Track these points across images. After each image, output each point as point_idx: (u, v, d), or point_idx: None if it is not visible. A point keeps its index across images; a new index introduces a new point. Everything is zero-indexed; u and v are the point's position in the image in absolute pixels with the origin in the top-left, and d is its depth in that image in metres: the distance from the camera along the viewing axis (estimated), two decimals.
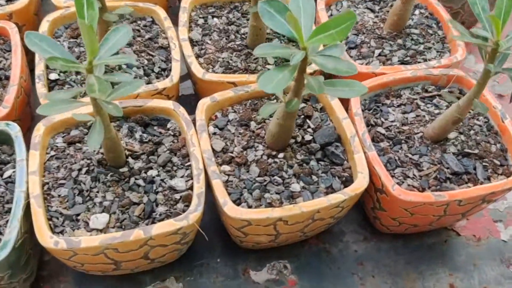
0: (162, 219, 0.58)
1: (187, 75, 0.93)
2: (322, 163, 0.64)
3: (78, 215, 0.58)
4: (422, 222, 0.66)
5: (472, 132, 0.67)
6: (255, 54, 0.50)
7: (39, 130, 0.63)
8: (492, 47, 0.53)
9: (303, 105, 0.69)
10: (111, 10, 0.69)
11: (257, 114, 0.68)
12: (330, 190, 0.61)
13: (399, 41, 0.77)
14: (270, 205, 0.59)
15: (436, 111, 0.69)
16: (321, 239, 0.74)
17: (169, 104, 0.66)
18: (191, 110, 0.67)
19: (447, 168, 0.63)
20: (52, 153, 0.63)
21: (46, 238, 0.54)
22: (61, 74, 0.71)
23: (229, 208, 0.57)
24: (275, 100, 0.69)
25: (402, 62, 0.75)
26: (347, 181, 0.62)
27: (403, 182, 0.62)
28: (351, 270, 0.71)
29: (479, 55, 1.03)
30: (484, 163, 0.64)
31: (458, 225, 0.76)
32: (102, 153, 0.63)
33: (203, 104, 0.66)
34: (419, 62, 0.74)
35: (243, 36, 0.78)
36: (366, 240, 0.74)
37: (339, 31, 0.47)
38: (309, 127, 0.67)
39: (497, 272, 0.72)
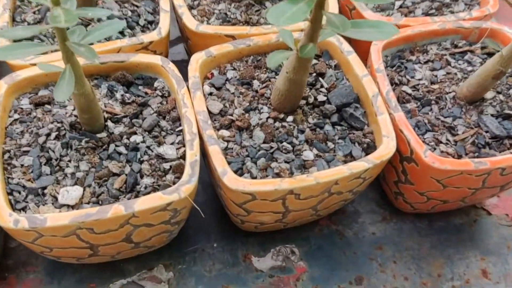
0: (148, 193, 0.48)
1: (179, 39, 0.83)
2: (338, 127, 0.54)
3: (44, 188, 0.47)
4: (454, 197, 0.56)
5: None
6: None
7: (0, 89, 0.53)
8: None
9: (315, 61, 0.59)
10: None
11: (261, 71, 0.57)
12: (350, 158, 0.51)
13: None
14: (278, 175, 0.49)
15: (469, 68, 0.59)
16: (333, 221, 0.64)
17: (156, 59, 0.56)
18: (183, 78, 0.56)
19: (486, 131, 0.53)
20: (16, 116, 0.53)
21: (4, 216, 0.44)
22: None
23: (229, 178, 0.47)
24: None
25: (426, 15, 0.65)
26: (370, 148, 0.52)
27: (435, 148, 0.52)
28: (368, 256, 0.61)
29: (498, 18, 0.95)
30: None
31: (489, 202, 0.67)
32: (76, 116, 0.52)
33: (197, 59, 0.56)
34: (445, 15, 0.64)
35: None
36: (385, 221, 0.64)
37: None
38: (322, 86, 0.57)
39: None
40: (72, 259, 0.52)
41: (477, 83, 0.53)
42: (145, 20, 0.62)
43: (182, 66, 0.77)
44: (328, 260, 0.60)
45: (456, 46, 0.61)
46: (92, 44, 0.55)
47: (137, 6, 0.63)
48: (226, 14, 0.63)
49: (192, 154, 0.49)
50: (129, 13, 0.62)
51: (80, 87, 0.46)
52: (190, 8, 0.64)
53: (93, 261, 0.54)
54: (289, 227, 0.60)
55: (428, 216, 0.64)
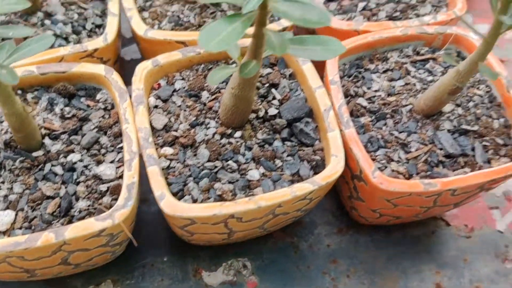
0: (83, 217, 0.46)
1: None
2: (288, 143, 0.52)
3: None
4: (407, 214, 0.55)
5: (471, 104, 0.55)
6: (201, 0, 0.37)
7: None
8: None
9: (268, 70, 0.57)
10: None
11: None
12: (297, 177, 0.49)
13: None
14: (220, 197, 0.47)
15: (429, 78, 0.56)
16: (288, 233, 0.62)
17: (99, 69, 0.53)
18: None
19: (440, 149, 0.51)
20: None
21: None
22: None
23: (166, 203, 0.45)
24: (234, 65, 0.56)
25: (391, 18, 0.62)
26: (318, 166, 0.50)
27: (386, 166, 0.50)
28: (322, 269, 0.60)
29: (477, 12, 0.91)
30: (484, 143, 0.52)
31: (449, 213, 0.65)
32: (11, 132, 0.50)
33: (142, 69, 0.53)
34: (410, 18, 0.61)
35: None
36: (341, 233, 0.63)
37: None
38: (274, 98, 0.54)
39: (490, 268, 0.61)
40: (11, 279, 0.51)
41: (434, 97, 0.51)
42: (92, 23, 0.59)
43: None
44: (280, 274, 0.59)
45: (418, 54, 0.59)
46: None
47: (84, 9, 0.59)
48: (179, 17, 0.60)
49: (130, 176, 0.46)
50: (76, 16, 0.58)
51: (10, 107, 0.44)
52: (142, 9, 0.60)
53: (35, 279, 0.53)
54: (243, 241, 0.59)
55: (385, 228, 0.63)
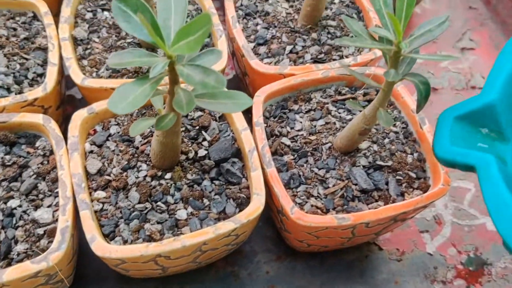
0: (21, 260, 0.49)
1: None
2: (216, 182, 0.56)
3: None
4: (331, 244, 0.59)
5: (386, 140, 0.59)
6: (108, 63, 0.41)
7: None
8: (394, 50, 0.45)
9: (199, 113, 0.61)
10: None
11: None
12: (223, 215, 0.53)
13: (314, 35, 0.69)
14: (149, 237, 0.51)
15: (349, 117, 0.61)
16: (229, 261, 0.66)
17: (37, 119, 0.56)
18: None
19: (355, 184, 0.56)
20: None
21: None
22: None
23: (96, 245, 0.48)
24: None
25: (316, 60, 0.66)
26: (243, 204, 0.54)
27: (306, 202, 0.54)
28: None
29: None
30: (398, 177, 0.57)
31: (382, 237, 0.70)
32: None
33: (78, 117, 0.57)
34: (334, 60, 0.66)
35: None
36: (280, 260, 0.67)
37: (196, 39, 0.38)
38: (204, 139, 0.58)
39: None
40: None
41: (347, 137, 0.55)
42: (34, 73, 0.62)
43: None
44: None
45: (340, 93, 0.63)
46: None
47: (26, 59, 0.63)
48: None
49: (64, 220, 0.50)
50: (18, 67, 0.62)
51: None
52: (82, 58, 0.64)
53: None
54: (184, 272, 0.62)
55: (321, 254, 0.67)
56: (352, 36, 0.70)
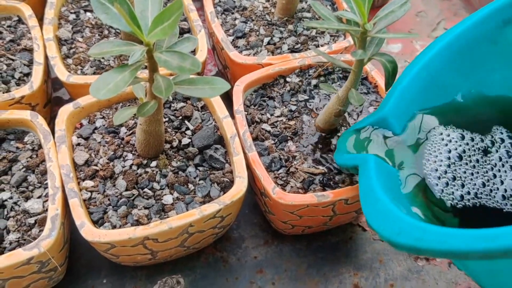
0: (13, 248, 0.51)
1: None
2: (201, 168, 0.58)
3: None
4: (315, 223, 0.61)
5: None
6: (89, 53, 0.43)
7: None
8: (360, 31, 0.48)
9: (182, 104, 0.63)
10: None
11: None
12: (208, 198, 0.55)
13: (290, 26, 0.71)
14: (137, 222, 0.53)
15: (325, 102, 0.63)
16: (218, 248, 0.68)
17: (25, 115, 0.58)
18: None
19: (335, 164, 0.58)
20: None
21: None
22: None
23: (86, 231, 0.50)
24: None
25: (293, 50, 0.69)
26: (227, 187, 0.56)
27: (287, 183, 0.57)
28: (250, 279, 0.65)
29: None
30: None
31: (364, 219, 0.72)
32: None
33: (65, 112, 0.59)
34: (310, 49, 0.69)
35: (117, 31, 0.70)
36: (267, 244, 0.69)
37: (170, 24, 0.41)
38: (187, 129, 0.61)
39: (404, 267, 0.68)
40: None
41: (324, 119, 0.58)
42: (20, 73, 0.64)
43: None
44: (211, 287, 0.65)
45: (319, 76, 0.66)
46: None
47: (12, 60, 0.65)
48: (100, 61, 0.66)
49: (54, 208, 0.52)
50: (4, 67, 0.64)
51: None
52: (66, 57, 0.66)
53: None
54: (174, 259, 0.64)
55: (307, 237, 0.69)
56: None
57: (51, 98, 0.70)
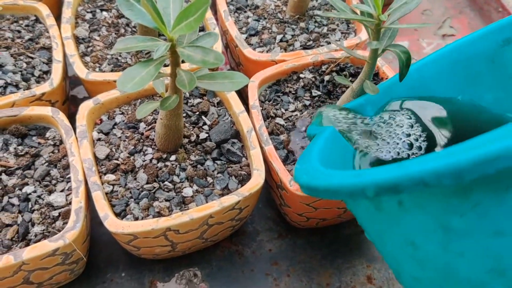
0: (39, 240, 0.52)
1: None
2: (218, 162, 0.59)
3: None
4: (329, 215, 0.63)
5: None
6: (114, 49, 0.45)
7: None
8: (375, 22, 0.49)
9: (198, 100, 0.64)
10: None
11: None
12: (226, 191, 0.57)
13: (302, 24, 0.73)
14: (159, 214, 0.54)
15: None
16: (234, 241, 0.70)
17: (46, 111, 0.60)
18: None
19: None
20: None
21: None
22: None
23: (110, 222, 0.52)
24: None
25: (305, 47, 0.70)
26: (244, 180, 0.58)
27: None
28: (265, 271, 0.67)
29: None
30: None
31: None
32: None
33: (85, 108, 0.60)
34: (322, 46, 0.70)
35: (134, 29, 0.72)
36: (281, 237, 0.70)
37: (196, 18, 0.42)
38: (205, 124, 0.62)
39: None
40: None
41: None
42: (40, 70, 0.66)
43: None
44: (228, 279, 0.66)
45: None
46: None
47: (32, 58, 0.67)
48: (117, 59, 0.68)
49: (77, 201, 0.53)
50: (24, 65, 0.66)
51: None
52: (84, 55, 0.68)
53: None
54: (191, 252, 0.66)
55: (319, 230, 0.71)
56: (336, 24, 0.75)
57: (69, 96, 0.72)
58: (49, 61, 0.68)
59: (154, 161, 0.58)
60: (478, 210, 0.32)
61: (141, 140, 0.60)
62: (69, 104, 0.73)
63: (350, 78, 0.67)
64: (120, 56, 0.68)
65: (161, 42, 0.46)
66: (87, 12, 0.73)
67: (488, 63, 0.53)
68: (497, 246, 0.33)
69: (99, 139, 0.60)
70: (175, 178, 0.57)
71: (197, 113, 0.63)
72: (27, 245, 0.52)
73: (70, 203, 0.55)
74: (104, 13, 0.74)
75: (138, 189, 0.55)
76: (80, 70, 0.64)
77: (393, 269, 0.46)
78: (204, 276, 0.66)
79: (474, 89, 0.54)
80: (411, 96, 0.56)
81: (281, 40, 0.71)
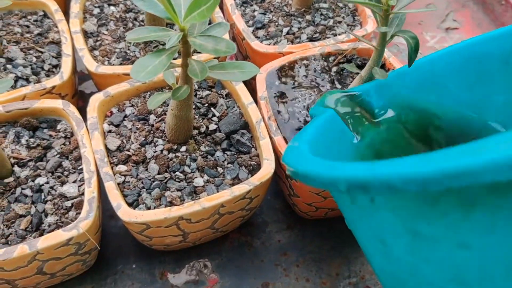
0: (52, 230, 0.53)
1: None
2: (228, 153, 0.60)
3: None
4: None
5: None
6: (127, 39, 0.45)
7: None
8: (383, 8, 0.50)
9: (207, 92, 0.65)
10: None
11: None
12: (237, 181, 0.57)
13: (308, 17, 0.74)
14: (171, 203, 0.54)
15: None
16: (243, 233, 0.70)
17: (57, 104, 0.61)
18: None
19: None
20: None
21: None
22: None
23: (122, 211, 0.52)
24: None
25: (311, 39, 0.71)
26: (254, 170, 0.58)
27: None
28: (274, 262, 0.67)
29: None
30: None
31: None
32: None
33: (96, 100, 0.61)
34: (328, 38, 0.71)
35: (142, 23, 0.73)
36: (290, 228, 0.71)
37: (208, 7, 0.43)
38: (214, 115, 0.63)
39: None
40: None
41: None
42: (49, 64, 0.66)
43: None
44: (237, 270, 0.66)
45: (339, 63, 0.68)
46: None
47: (41, 52, 0.67)
48: (126, 52, 0.68)
49: (90, 192, 0.54)
50: (34, 60, 0.66)
51: None
52: (93, 49, 0.69)
53: None
54: (201, 243, 0.66)
55: (328, 221, 0.71)
56: (342, 17, 0.75)
57: (77, 91, 0.72)
58: (58, 55, 0.68)
59: (165, 152, 0.58)
60: (445, 221, 0.32)
61: (152, 132, 0.60)
62: (78, 99, 0.73)
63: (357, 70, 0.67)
64: (128, 49, 0.69)
65: (172, 32, 0.46)
66: (95, 7, 0.74)
67: (502, 64, 0.53)
68: (460, 258, 0.33)
69: (109, 131, 0.60)
70: (186, 169, 0.57)
71: (206, 104, 0.63)
72: (41, 235, 0.53)
73: (82, 194, 0.56)
74: (112, 7, 0.74)
75: (150, 180, 0.56)
76: (89, 63, 0.65)
77: (366, 256, 0.46)
78: (214, 267, 0.67)
79: (485, 88, 0.54)
80: (418, 94, 0.56)
81: (287, 33, 0.71)
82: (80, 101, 0.80)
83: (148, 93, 0.64)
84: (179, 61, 0.50)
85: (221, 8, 0.81)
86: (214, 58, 0.65)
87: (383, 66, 0.69)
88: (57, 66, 0.67)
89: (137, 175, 0.57)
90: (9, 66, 0.65)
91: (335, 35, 0.72)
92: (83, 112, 0.61)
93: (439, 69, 0.55)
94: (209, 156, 0.59)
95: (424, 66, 0.55)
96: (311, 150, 0.43)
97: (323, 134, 0.49)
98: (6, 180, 0.56)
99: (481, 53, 0.53)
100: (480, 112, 0.54)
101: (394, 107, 0.56)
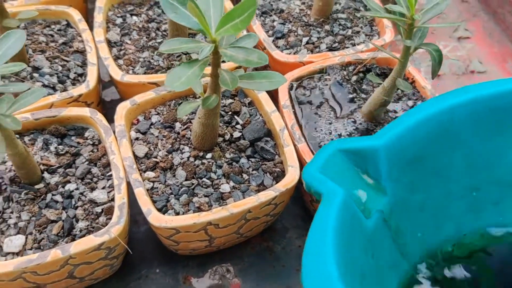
0: (83, 235, 0.54)
1: None
2: (252, 160, 0.61)
3: None
4: None
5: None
6: (159, 51, 0.47)
7: None
8: (408, 22, 0.51)
9: (230, 101, 0.66)
10: (14, 16, 0.64)
11: None
12: (262, 187, 0.59)
13: (327, 27, 0.75)
14: (199, 209, 0.56)
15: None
16: (264, 238, 0.71)
17: (85, 112, 0.62)
18: None
19: None
20: None
21: None
22: None
23: (153, 217, 0.53)
24: (200, 99, 0.66)
25: (330, 49, 0.72)
26: (279, 176, 0.60)
27: None
28: (295, 267, 0.68)
29: None
30: None
31: None
32: (15, 170, 0.58)
33: (123, 108, 0.62)
34: (347, 48, 0.72)
35: (164, 33, 0.74)
36: None
37: (243, 20, 0.44)
38: (237, 123, 0.64)
39: None
40: None
41: (369, 111, 0.61)
42: (75, 73, 0.68)
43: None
44: (259, 274, 0.68)
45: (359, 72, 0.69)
46: None
47: (66, 61, 0.69)
48: (149, 61, 0.70)
49: (120, 197, 0.55)
50: (60, 68, 0.68)
51: (13, 148, 0.52)
52: (117, 58, 0.70)
53: None
54: (224, 248, 0.67)
55: None
56: (360, 27, 0.77)
57: (102, 99, 0.74)
58: (83, 64, 0.70)
59: (192, 159, 0.60)
60: None
61: (178, 139, 0.61)
62: (102, 107, 0.75)
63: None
64: (152, 59, 0.70)
65: (204, 43, 0.48)
66: (118, 17, 0.76)
67: None
68: None
69: (137, 138, 0.62)
70: (213, 175, 0.59)
71: (230, 113, 0.65)
72: (73, 240, 0.54)
73: (111, 199, 0.57)
74: (134, 17, 0.76)
75: (178, 186, 0.57)
76: (115, 72, 0.66)
77: None
78: (236, 272, 0.68)
79: (503, 138, 0.51)
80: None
81: (307, 43, 0.73)
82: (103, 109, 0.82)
83: (173, 101, 0.66)
84: (207, 71, 0.52)
85: None
86: (238, 67, 0.66)
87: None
88: (82, 75, 0.69)
89: (165, 181, 0.58)
90: (35, 75, 0.66)
91: (353, 44, 0.73)
92: (108, 119, 0.62)
93: (458, 118, 0.50)
94: (234, 163, 0.60)
95: (443, 115, 0.49)
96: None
97: (346, 238, 0.41)
98: (36, 187, 0.57)
99: (503, 103, 0.50)
100: None
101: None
